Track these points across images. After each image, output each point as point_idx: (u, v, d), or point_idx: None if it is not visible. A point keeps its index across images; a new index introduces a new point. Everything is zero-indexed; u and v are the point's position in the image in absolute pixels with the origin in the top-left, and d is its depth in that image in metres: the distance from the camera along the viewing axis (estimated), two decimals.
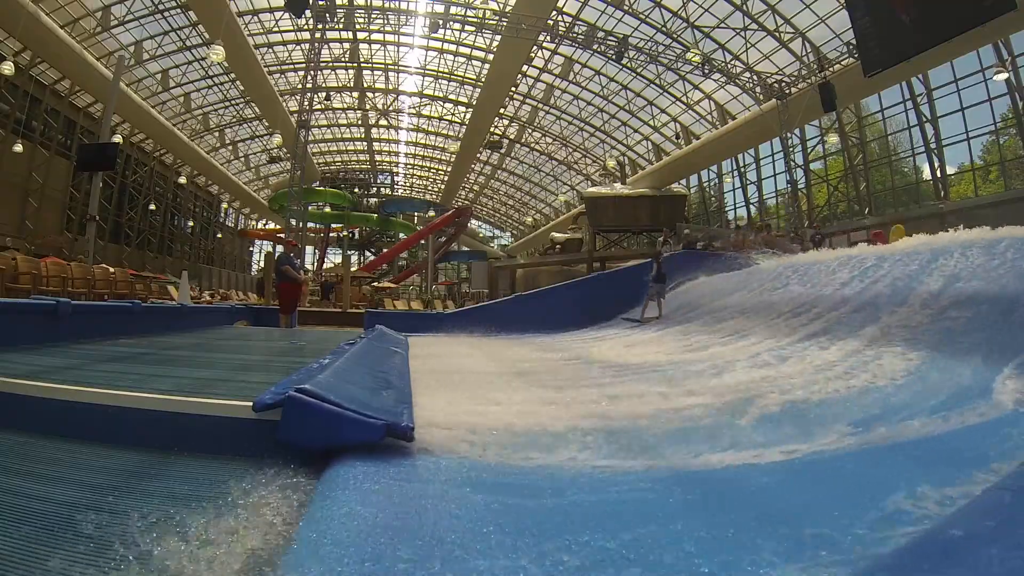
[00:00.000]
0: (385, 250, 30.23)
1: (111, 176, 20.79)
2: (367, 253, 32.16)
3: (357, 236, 31.84)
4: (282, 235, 22.93)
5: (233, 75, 22.22)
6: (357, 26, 18.46)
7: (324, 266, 28.11)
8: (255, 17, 20.55)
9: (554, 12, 17.10)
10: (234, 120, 27.15)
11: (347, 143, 33.21)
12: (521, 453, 1.89)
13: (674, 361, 4.47)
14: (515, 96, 25.06)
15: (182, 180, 27.82)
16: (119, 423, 1.80)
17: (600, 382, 3.70)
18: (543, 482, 1.57)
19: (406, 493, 1.37)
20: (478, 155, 30.19)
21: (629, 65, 19.45)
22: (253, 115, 26.42)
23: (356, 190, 31.78)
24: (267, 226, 34.08)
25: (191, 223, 31.22)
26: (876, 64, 12.77)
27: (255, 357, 4.02)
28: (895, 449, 1.85)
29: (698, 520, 1.26)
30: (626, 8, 18.58)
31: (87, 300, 8.10)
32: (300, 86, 19.93)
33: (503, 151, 30.31)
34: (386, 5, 18.99)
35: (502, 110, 25.45)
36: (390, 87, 26.68)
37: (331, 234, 31.43)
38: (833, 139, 18.79)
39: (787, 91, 17.25)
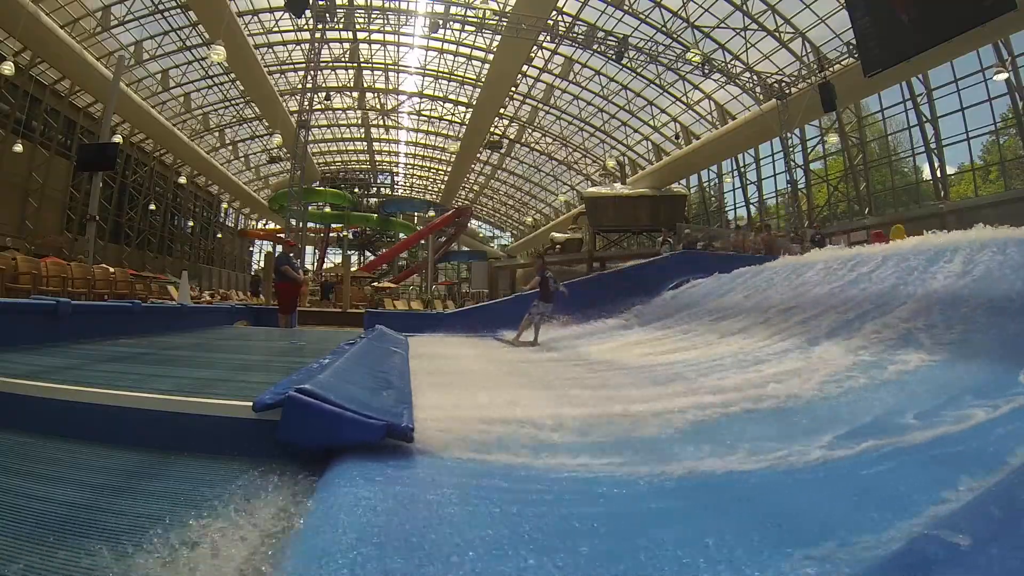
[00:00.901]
0: (385, 250, 30.22)
1: (111, 176, 20.79)
2: (367, 253, 32.16)
3: (358, 235, 31.80)
4: (282, 235, 22.94)
5: (233, 75, 22.23)
6: (357, 26, 18.47)
7: (324, 266, 28.11)
8: (255, 17, 20.55)
9: (554, 12, 17.11)
10: (234, 120, 27.16)
11: (347, 143, 33.21)
12: (521, 453, 1.89)
13: (675, 361, 4.47)
14: (515, 96, 25.06)
15: (182, 180, 27.83)
16: (119, 423, 1.80)
17: (600, 382, 3.70)
18: (543, 483, 1.57)
19: (406, 494, 1.37)
20: (478, 155, 30.19)
21: (629, 65, 19.45)
22: (253, 115, 26.43)
23: (356, 190, 31.78)
24: (267, 226, 34.07)
25: (191, 223, 31.22)
26: (876, 64, 12.77)
27: (255, 357, 4.02)
28: (897, 450, 1.85)
29: (699, 522, 1.26)
30: (626, 8, 18.59)
31: (87, 300, 8.11)
32: (300, 86, 19.93)
33: (503, 151, 30.31)
34: (386, 5, 19.00)
35: (502, 110, 25.46)
36: (390, 87, 26.68)
37: (331, 234, 31.42)
38: (833, 139, 18.80)
39: (787, 91, 17.25)
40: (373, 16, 17.52)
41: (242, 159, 31.07)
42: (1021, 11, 10.22)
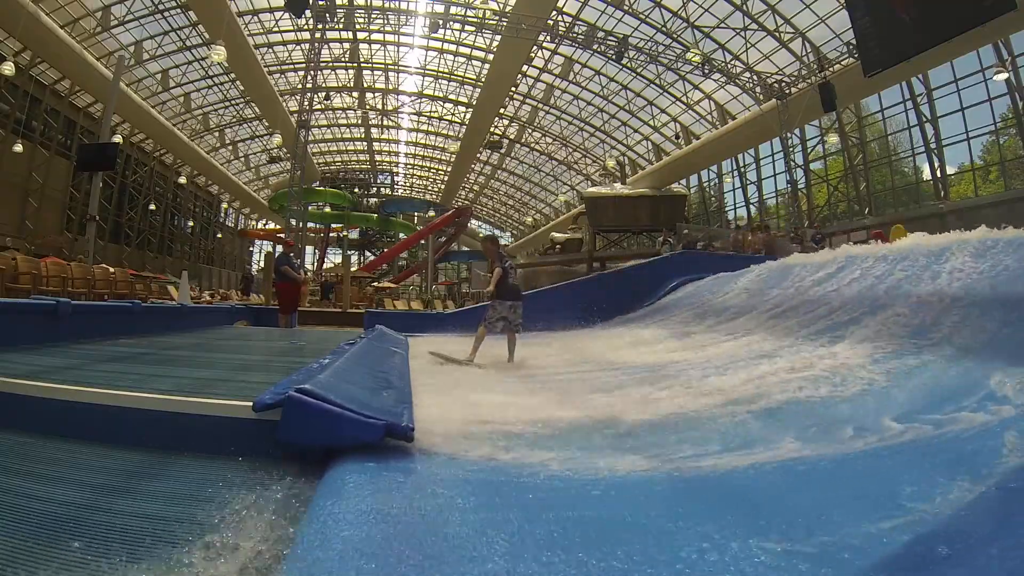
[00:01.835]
0: (385, 250, 30.22)
1: (111, 176, 20.79)
2: (367, 253, 32.16)
3: (363, 235, 31.81)
4: (282, 235, 22.94)
5: (233, 75, 22.22)
6: (357, 26, 18.47)
7: (324, 266, 28.11)
8: (255, 17, 20.55)
9: (554, 12, 17.10)
10: (234, 120, 27.16)
11: (347, 143, 33.21)
12: (521, 454, 1.89)
13: (676, 360, 4.47)
14: (515, 96, 25.06)
15: (182, 180, 27.82)
16: (119, 423, 1.80)
17: (600, 382, 3.70)
18: (543, 483, 1.57)
19: (406, 494, 1.37)
20: (478, 155, 30.18)
21: (629, 65, 19.45)
22: (253, 115, 26.43)
23: (356, 190, 31.78)
24: (267, 226, 34.07)
25: (191, 223, 31.22)
26: (876, 64, 12.77)
27: (255, 357, 4.02)
28: (898, 450, 1.85)
29: (699, 523, 1.26)
30: (626, 8, 18.59)
31: (87, 300, 8.10)
32: (300, 86, 19.93)
33: (503, 151, 30.31)
34: (386, 5, 19.00)
35: (502, 110, 25.45)
36: (390, 87, 26.68)
37: (331, 234, 31.42)
38: (833, 139, 18.80)
39: (787, 91, 17.25)
40: (373, 16, 17.52)
41: (242, 159, 31.06)
42: (1021, 11, 10.22)
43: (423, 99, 27.10)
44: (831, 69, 16.00)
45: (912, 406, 2.35)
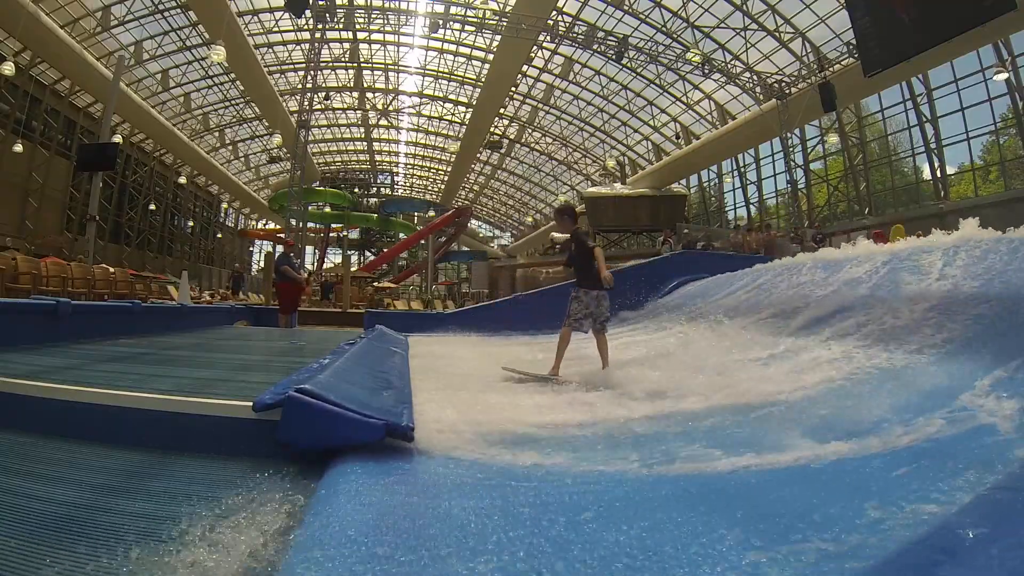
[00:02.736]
0: (385, 250, 30.23)
1: (111, 176, 20.79)
2: (367, 253, 32.17)
3: (364, 235, 31.80)
4: (282, 235, 22.95)
5: (233, 75, 22.23)
6: (357, 26, 18.47)
7: (324, 266, 28.12)
8: (255, 17, 20.56)
9: (554, 12, 17.11)
10: (234, 120, 27.16)
11: (347, 143, 33.21)
12: (521, 454, 1.89)
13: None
14: (515, 96, 25.06)
15: (182, 180, 27.83)
16: (119, 423, 1.80)
17: (600, 382, 3.69)
18: (543, 484, 1.57)
19: (406, 494, 1.37)
20: (478, 155, 30.19)
21: (629, 65, 19.45)
22: (253, 115, 26.43)
23: (356, 190, 31.79)
24: (267, 226, 34.08)
25: (191, 223, 31.22)
26: (876, 64, 12.77)
27: (255, 357, 4.02)
28: (898, 450, 1.85)
29: (697, 523, 1.26)
30: (626, 8, 18.59)
31: (87, 300, 8.10)
32: (300, 86, 19.94)
33: (503, 151, 30.31)
34: (386, 5, 19.00)
35: (502, 110, 25.45)
36: (390, 87, 26.68)
37: (331, 234, 31.44)
38: (833, 139, 18.80)
39: (787, 91, 17.25)
40: (373, 16, 17.53)
41: (242, 159, 31.07)
42: (1021, 11, 10.22)
43: (423, 99, 27.11)
44: (831, 69, 16.01)
45: (917, 405, 2.35)
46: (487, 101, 23.11)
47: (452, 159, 30.57)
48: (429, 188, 38.04)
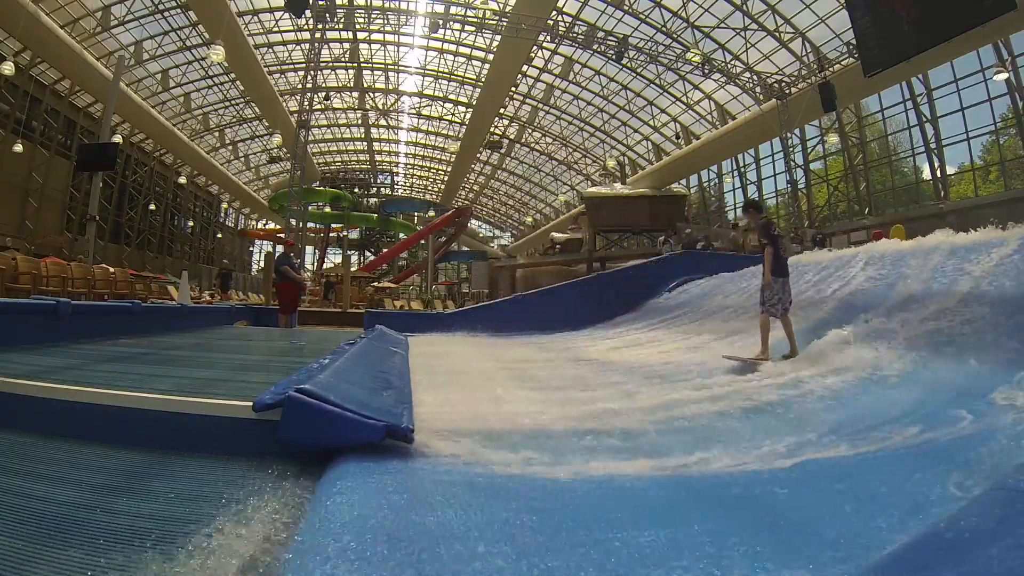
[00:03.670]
0: (385, 250, 30.22)
1: (111, 176, 20.78)
2: (367, 253, 32.17)
3: (364, 235, 31.80)
4: (282, 235, 22.94)
5: (233, 75, 22.22)
6: (357, 26, 18.46)
7: (324, 266, 28.11)
8: (255, 17, 20.54)
9: (554, 12, 17.10)
10: (234, 120, 27.15)
11: (347, 143, 33.20)
12: (521, 455, 1.89)
13: (672, 361, 4.47)
14: (515, 96, 25.05)
15: (182, 180, 27.81)
16: (119, 423, 1.80)
17: (600, 382, 3.69)
18: (542, 484, 1.57)
19: (405, 495, 1.37)
20: (478, 155, 30.18)
21: (629, 65, 19.45)
22: (253, 115, 26.42)
23: (356, 190, 31.78)
24: (267, 226, 34.06)
25: (191, 223, 31.21)
26: (876, 64, 12.76)
27: (255, 357, 4.02)
28: (897, 450, 1.85)
29: (697, 523, 1.26)
30: (626, 8, 18.58)
31: (87, 300, 8.10)
32: (300, 86, 19.93)
33: (503, 151, 30.31)
34: (386, 5, 18.99)
35: (502, 110, 25.45)
36: (390, 87, 26.67)
37: (331, 234, 31.43)
38: (833, 139, 18.79)
39: (787, 91, 17.25)
40: (373, 16, 17.52)
41: (242, 159, 31.05)
42: (1021, 11, 10.21)
43: (423, 99, 27.10)
44: (831, 69, 16.00)
45: (916, 405, 2.35)
46: (487, 101, 23.11)
47: (452, 159, 30.57)
48: (429, 188, 38.03)
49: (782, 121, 17.26)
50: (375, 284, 20.63)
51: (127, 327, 4.81)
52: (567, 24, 17.80)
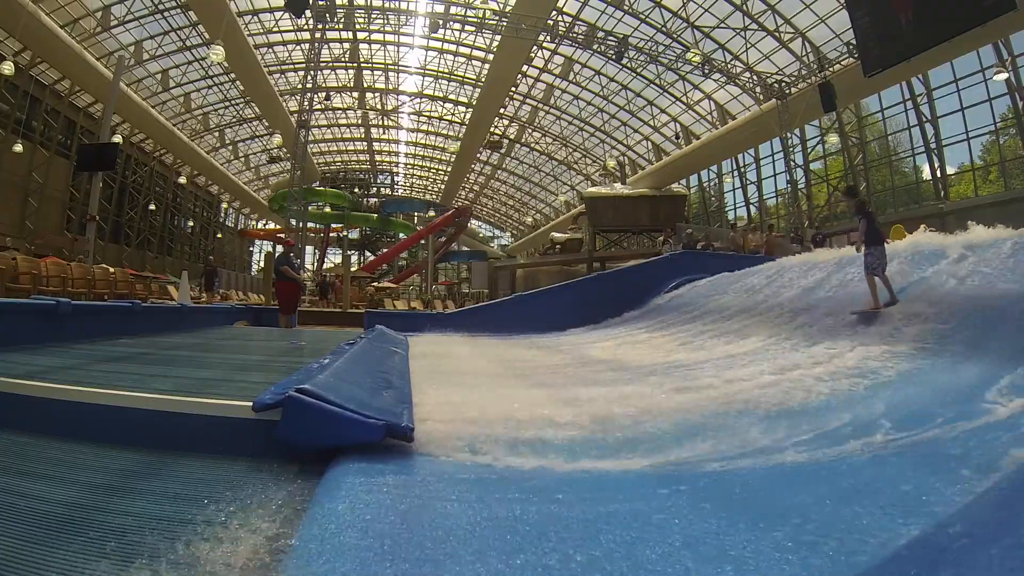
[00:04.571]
0: (385, 250, 30.22)
1: (111, 176, 20.79)
2: (367, 253, 32.17)
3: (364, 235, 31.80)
4: (282, 235, 22.94)
5: (233, 75, 22.22)
6: (357, 26, 18.46)
7: (324, 266, 28.12)
8: (255, 17, 20.54)
9: (554, 12, 17.10)
10: (234, 120, 27.15)
11: (347, 143, 33.20)
12: (520, 455, 1.89)
13: (671, 361, 4.47)
14: (515, 96, 25.05)
15: (182, 180, 27.81)
16: (119, 423, 1.80)
17: (599, 382, 3.69)
18: (542, 484, 1.57)
19: (406, 494, 1.37)
20: (478, 155, 30.18)
21: (629, 65, 19.44)
22: (253, 115, 26.42)
23: (356, 190, 31.78)
24: (267, 226, 34.06)
25: (191, 223, 31.21)
26: (876, 64, 12.76)
27: (255, 357, 4.02)
28: (897, 450, 1.85)
29: (696, 522, 1.26)
30: (626, 8, 18.58)
31: (87, 300, 8.10)
32: (300, 86, 19.93)
33: (503, 151, 30.30)
34: (386, 5, 18.99)
35: (502, 110, 25.44)
36: (390, 87, 26.68)
37: (331, 234, 31.43)
38: (833, 139, 18.78)
39: (787, 91, 17.25)
40: (373, 16, 17.52)
41: (242, 159, 31.05)
42: (1021, 11, 10.20)
43: (423, 99, 27.10)
44: (831, 69, 15.99)
45: (915, 405, 2.35)
46: (487, 101, 23.10)
47: (452, 159, 30.57)
48: (429, 188, 38.03)
49: (782, 121, 17.26)
50: (375, 284, 20.63)
51: (127, 327, 4.81)
52: (567, 24, 17.80)
